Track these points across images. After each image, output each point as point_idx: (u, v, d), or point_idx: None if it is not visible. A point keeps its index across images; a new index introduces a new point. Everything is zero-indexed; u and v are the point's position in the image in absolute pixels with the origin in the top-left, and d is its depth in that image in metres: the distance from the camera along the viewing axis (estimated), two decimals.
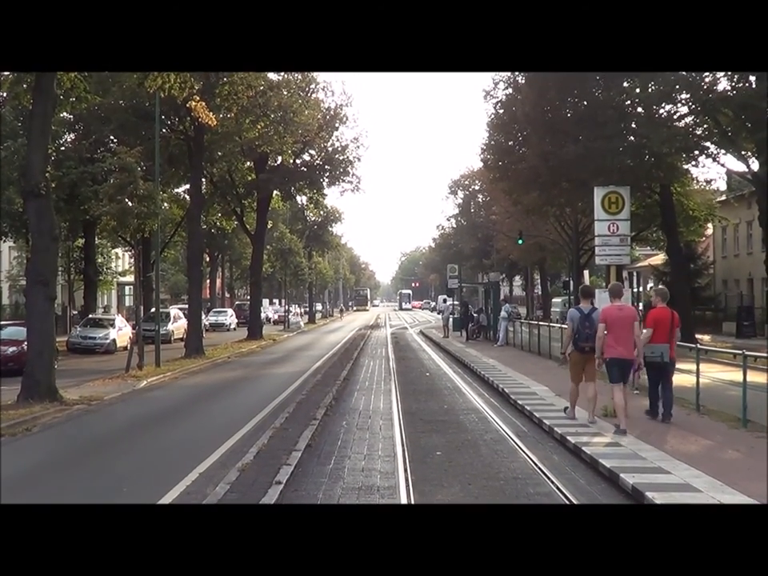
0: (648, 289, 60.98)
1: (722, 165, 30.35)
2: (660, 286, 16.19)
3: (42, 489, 9.59)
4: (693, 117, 28.42)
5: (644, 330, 12.85)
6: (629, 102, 29.25)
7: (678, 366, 13.77)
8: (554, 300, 61.18)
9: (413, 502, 8.49)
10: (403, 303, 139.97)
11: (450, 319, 43.57)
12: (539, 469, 10.19)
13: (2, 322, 26.86)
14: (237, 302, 71.57)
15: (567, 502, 8.49)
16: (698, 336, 32.60)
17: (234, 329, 53.88)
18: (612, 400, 12.23)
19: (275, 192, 46.26)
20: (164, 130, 32.04)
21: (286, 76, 38.84)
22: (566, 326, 15.12)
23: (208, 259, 63.13)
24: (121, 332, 33.32)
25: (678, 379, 16.26)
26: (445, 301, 56.91)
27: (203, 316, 38.19)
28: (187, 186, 40.20)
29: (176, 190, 44.36)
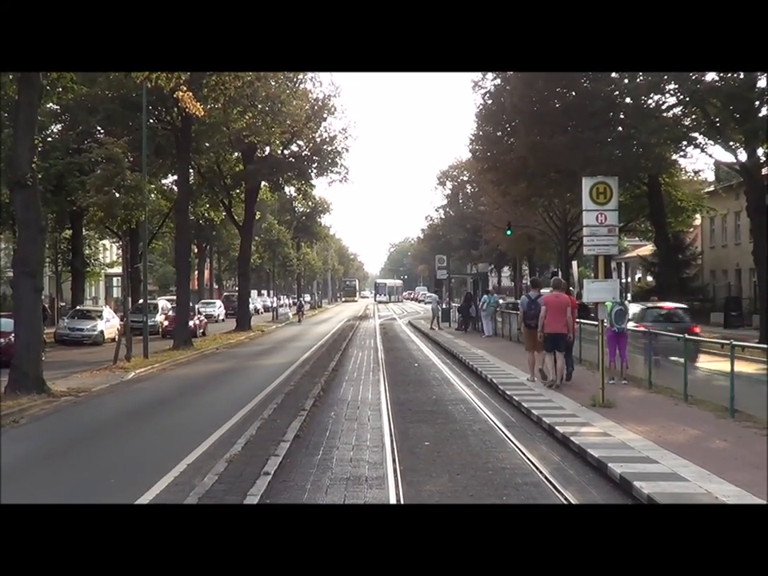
0: (637, 279, 61.22)
1: (710, 155, 30.62)
2: (556, 278, 19.82)
3: (30, 481, 9.55)
4: (681, 107, 28.48)
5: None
6: (617, 92, 29.29)
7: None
8: (542, 291, 61.06)
9: (401, 493, 8.50)
10: (380, 295, 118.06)
11: (439, 311, 43.43)
12: (528, 459, 10.22)
13: None
14: (225, 293, 71.41)
15: (555, 492, 8.52)
16: None
17: (223, 320, 53.78)
18: (544, 363, 16.21)
19: (263, 183, 46.10)
20: (151, 121, 31.81)
21: None
22: None
23: (196, 250, 62.79)
24: (108, 323, 33.22)
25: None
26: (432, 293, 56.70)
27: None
28: (175, 177, 39.99)
29: (163, 181, 44.12)
